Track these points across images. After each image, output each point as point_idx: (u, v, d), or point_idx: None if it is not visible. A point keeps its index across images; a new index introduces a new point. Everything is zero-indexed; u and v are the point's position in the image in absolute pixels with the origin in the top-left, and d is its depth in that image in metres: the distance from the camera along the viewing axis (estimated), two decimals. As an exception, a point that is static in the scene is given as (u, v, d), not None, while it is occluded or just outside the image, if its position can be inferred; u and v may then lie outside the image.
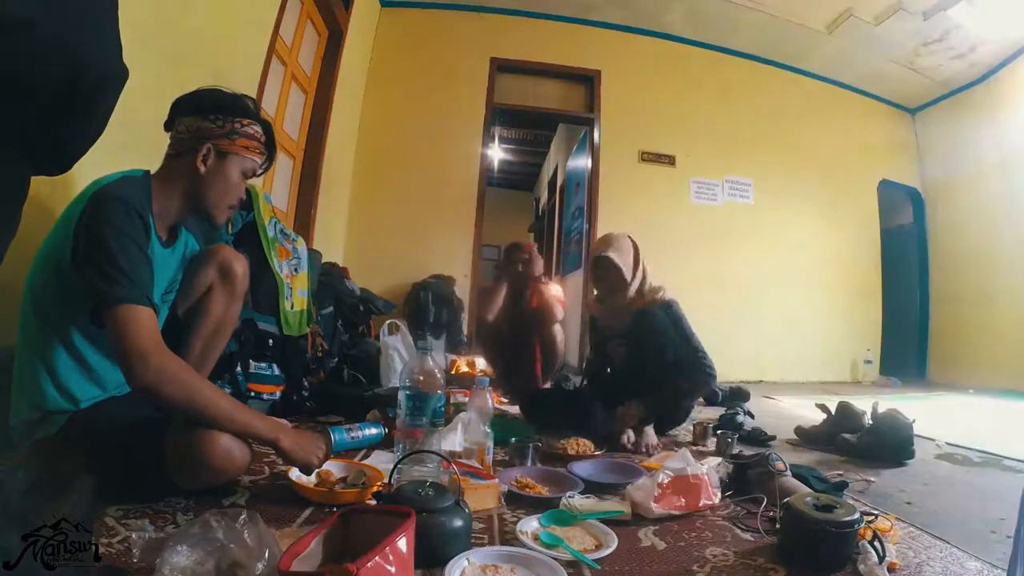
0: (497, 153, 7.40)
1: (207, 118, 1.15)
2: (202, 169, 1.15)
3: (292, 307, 2.23)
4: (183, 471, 1.03)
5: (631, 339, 1.97)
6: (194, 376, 1.02)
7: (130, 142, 1.71)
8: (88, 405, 1.10)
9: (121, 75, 0.64)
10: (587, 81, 4.83)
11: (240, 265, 1.34)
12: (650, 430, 1.86)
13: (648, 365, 1.88)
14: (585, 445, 1.68)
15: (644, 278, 2.03)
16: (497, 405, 2.25)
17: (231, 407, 1.03)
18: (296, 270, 2.33)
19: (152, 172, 1.17)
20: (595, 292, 2.20)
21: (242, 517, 0.75)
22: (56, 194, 1.45)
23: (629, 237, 2.07)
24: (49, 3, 0.55)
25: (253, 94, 2.60)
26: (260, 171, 1.27)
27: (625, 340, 2.01)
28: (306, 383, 2.10)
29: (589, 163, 4.77)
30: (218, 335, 1.36)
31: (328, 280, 2.82)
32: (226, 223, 1.25)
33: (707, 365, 1.86)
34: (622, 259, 1.99)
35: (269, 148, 1.25)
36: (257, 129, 1.21)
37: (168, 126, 1.18)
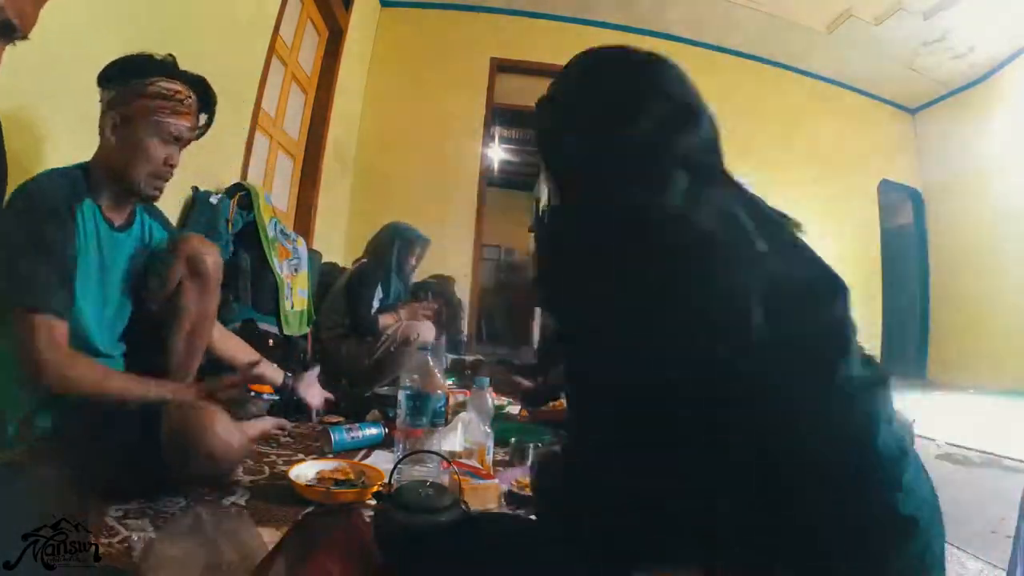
0: (497, 153, 7.40)
1: (108, 88, 1.11)
2: (113, 140, 1.10)
3: (292, 307, 2.23)
4: (180, 459, 1.02)
5: None
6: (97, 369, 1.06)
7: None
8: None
9: None
10: (587, 81, 4.82)
11: (211, 255, 1.25)
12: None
13: None
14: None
15: None
16: (497, 403, 2.25)
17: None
18: (296, 270, 2.33)
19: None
20: None
21: (232, 512, 0.76)
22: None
23: None
24: None
25: (253, 94, 2.61)
26: (197, 132, 1.19)
27: None
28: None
29: (589, 163, 4.76)
30: (198, 332, 1.27)
31: (328, 280, 2.82)
32: (155, 194, 1.17)
33: None
34: None
35: (205, 105, 1.17)
36: (169, 86, 1.11)
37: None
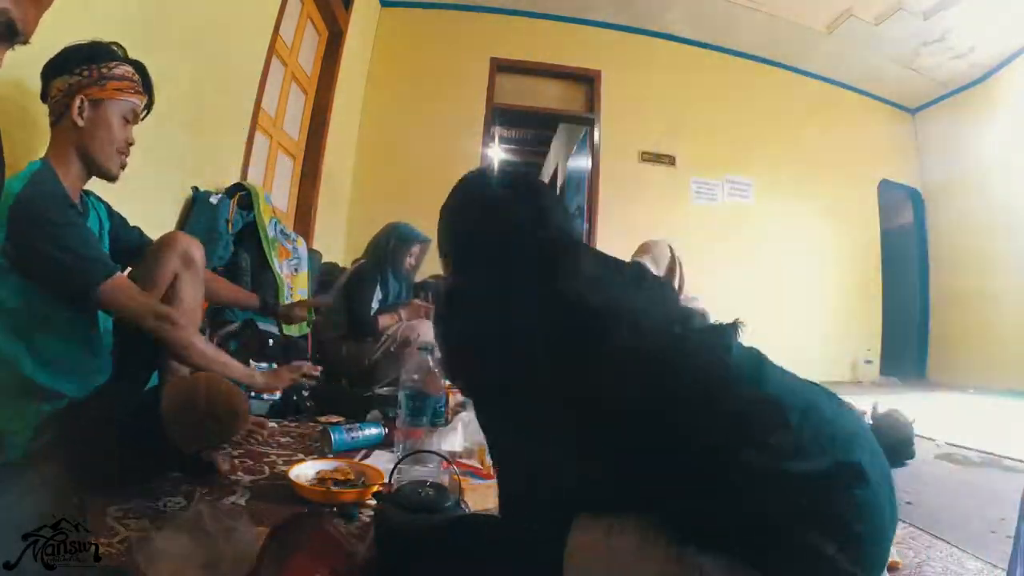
0: (497, 153, 7.39)
1: (74, 73, 1.14)
2: (80, 122, 1.14)
3: (292, 307, 2.23)
4: (184, 428, 1.04)
5: None
6: (191, 335, 1.19)
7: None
8: (78, 397, 1.10)
9: None
10: (587, 81, 4.83)
11: (198, 250, 1.34)
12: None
13: None
14: None
15: (680, 288, 2.04)
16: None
17: (217, 356, 1.24)
18: (296, 270, 2.34)
19: (48, 153, 1.16)
20: None
21: (231, 511, 0.76)
22: None
23: (669, 246, 2.07)
24: None
25: (253, 94, 2.61)
26: (143, 113, 1.26)
27: None
28: (306, 383, 2.10)
29: (589, 163, 4.77)
30: (191, 319, 1.33)
31: (328, 280, 2.82)
32: (121, 170, 1.23)
33: None
34: (656, 268, 1.99)
35: (146, 88, 1.24)
36: (127, 69, 1.19)
37: (44, 97, 1.17)
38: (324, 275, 2.85)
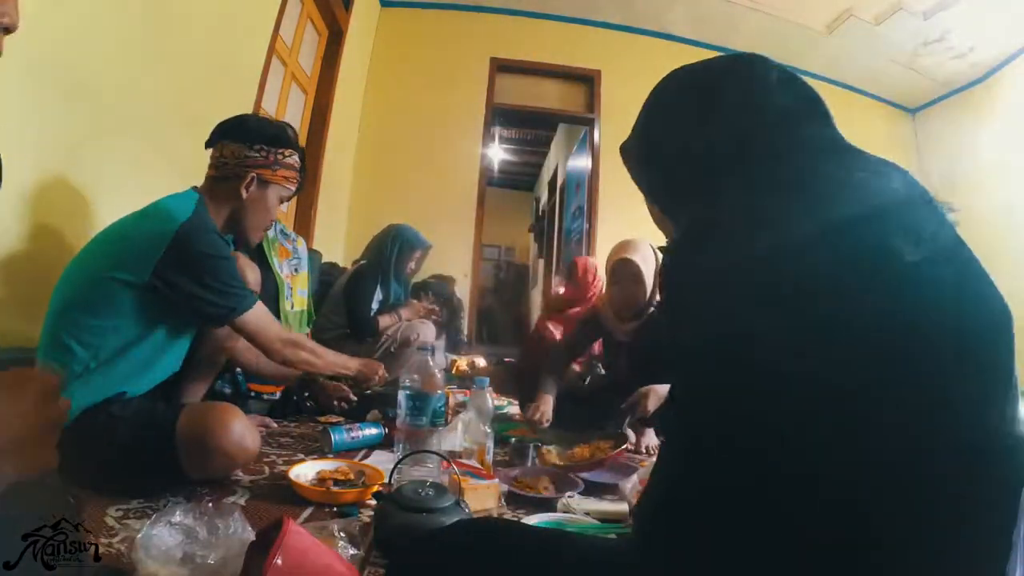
0: (497, 153, 7.39)
1: (252, 147, 1.22)
2: (245, 195, 1.23)
3: (292, 307, 2.23)
4: (194, 457, 1.05)
5: (638, 349, 1.94)
6: (311, 346, 1.35)
7: (129, 136, 1.72)
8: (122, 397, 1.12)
9: None
10: (587, 81, 4.83)
11: (252, 273, 1.41)
12: (651, 431, 1.86)
13: (655, 376, 1.77)
14: (597, 447, 1.50)
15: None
16: (497, 403, 2.25)
17: (333, 357, 1.42)
18: (296, 270, 2.33)
19: (198, 189, 1.25)
20: (608, 295, 2.07)
21: (227, 511, 0.76)
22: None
23: (651, 245, 2.04)
24: None
25: (253, 94, 2.61)
26: (293, 196, 1.35)
27: (632, 350, 1.98)
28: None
29: (589, 163, 4.77)
30: (228, 338, 1.40)
31: (328, 280, 2.82)
32: (256, 243, 1.37)
33: None
34: (647, 268, 1.94)
35: (302, 174, 1.33)
36: (296, 159, 1.28)
37: (209, 145, 1.25)
38: (324, 275, 2.85)
